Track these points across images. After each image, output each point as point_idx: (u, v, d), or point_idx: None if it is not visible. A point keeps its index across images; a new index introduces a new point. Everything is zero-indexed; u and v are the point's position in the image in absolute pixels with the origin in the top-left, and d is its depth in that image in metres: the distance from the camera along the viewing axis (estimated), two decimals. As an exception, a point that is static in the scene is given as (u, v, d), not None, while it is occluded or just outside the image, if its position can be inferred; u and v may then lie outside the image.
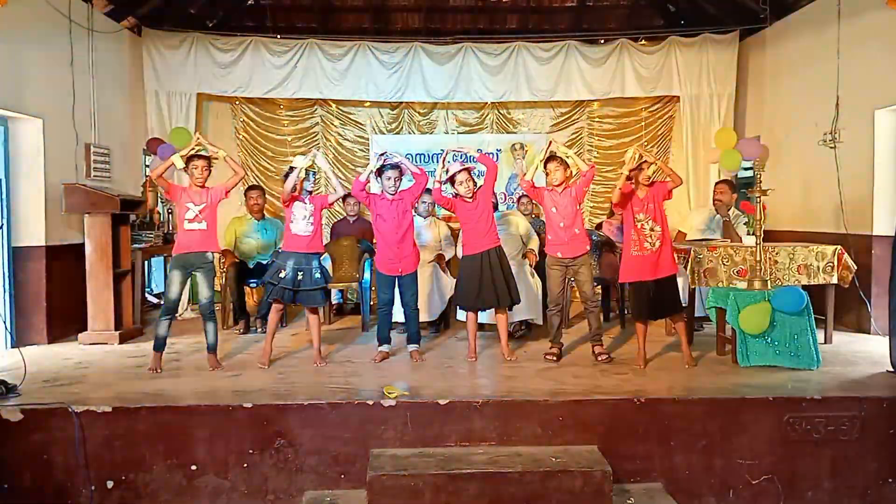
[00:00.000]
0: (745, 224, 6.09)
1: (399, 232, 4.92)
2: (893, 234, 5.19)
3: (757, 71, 7.67)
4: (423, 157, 8.02)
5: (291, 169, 4.75)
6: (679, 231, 6.38)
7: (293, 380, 4.45)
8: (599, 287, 6.01)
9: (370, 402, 3.90)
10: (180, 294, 4.78)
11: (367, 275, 6.23)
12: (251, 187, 6.69)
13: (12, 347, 5.23)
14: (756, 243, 4.90)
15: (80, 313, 5.69)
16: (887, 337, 4.65)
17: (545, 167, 4.89)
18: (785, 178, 6.87)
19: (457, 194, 4.95)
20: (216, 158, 4.74)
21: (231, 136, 8.13)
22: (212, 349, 4.82)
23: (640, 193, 4.67)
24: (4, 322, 5.34)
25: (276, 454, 3.83)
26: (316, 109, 8.26)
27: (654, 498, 3.76)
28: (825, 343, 5.32)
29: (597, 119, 8.37)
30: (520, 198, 7.18)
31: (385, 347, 5.09)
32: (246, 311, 6.21)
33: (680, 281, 4.90)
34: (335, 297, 7.05)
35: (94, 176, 6.27)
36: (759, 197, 4.88)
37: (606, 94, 7.82)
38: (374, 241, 5.35)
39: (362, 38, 7.68)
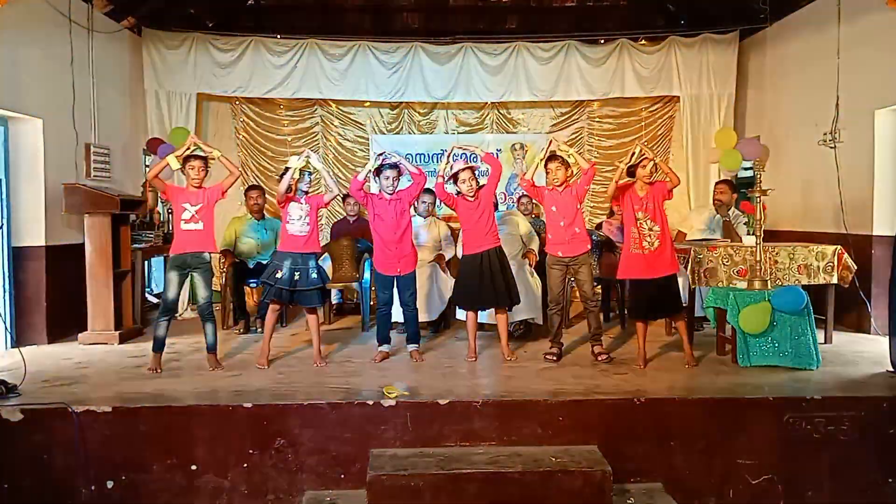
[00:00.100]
0: (745, 224, 6.10)
1: (397, 232, 4.92)
2: (893, 234, 5.21)
3: (757, 71, 7.67)
4: (423, 157, 8.02)
5: (287, 170, 4.75)
6: (679, 231, 6.38)
7: (293, 380, 4.45)
8: (599, 287, 6.01)
9: (370, 402, 3.90)
10: (178, 295, 4.78)
11: (367, 275, 6.23)
12: (251, 187, 6.70)
13: (12, 347, 5.23)
14: (756, 243, 4.90)
15: (80, 313, 5.69)
16: (887, 337, 4.65)
17: (546, 166, 4.88)
18: (785, 178, 6.87)
19: (459, 192, 4.95)
20: (213, 158, 4.74)
21: (231, 136, 8.14)
22: (211, 349, 4.82)
23: (641, 192, 4.68)
24: (4, 322, 5.34)
25: (276, 454, 3.83)
26: (316, 109, 8.25)
27: (654, 498, 3.76)
28: (825, 343, 5.32)
29: (597, 119, 8.37)
30: (520, 198, 7.18)
31: (385, 347, 5.09)
32: (246, 311, 6.21)
33: (680, 280, 4.90)
34: (335, 297, 7.05)
35: (94, 176, 6.27)
36: (759, 197, 4.88)
37: (606, 94, 7.82)
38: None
39: (362, 38, 7.67)
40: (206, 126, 7.98)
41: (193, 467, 3.81)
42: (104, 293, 5.64)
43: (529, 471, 3.57)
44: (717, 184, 6.61)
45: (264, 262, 6.08)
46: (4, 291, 5.47)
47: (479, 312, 5.11)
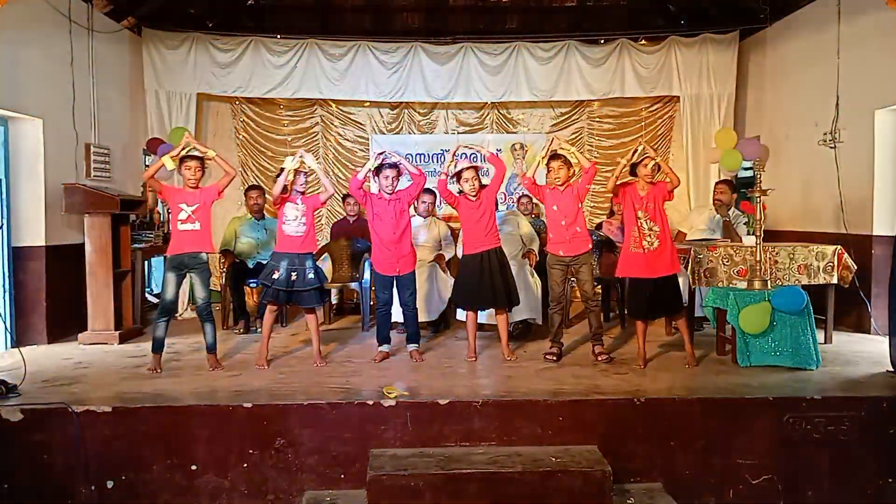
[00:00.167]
0: (745, 224, 6.09)
1: (396, 232, 4.92)
2: (893, 234, 5.21)
3: (757, 71, 7.67)
4: (423, 157, 8.02)
5: (282, 170, 4.75)
6: (679, 231, 6.39)
7: (293, 380, 4.45)
8: (599, 287, 6.01)
9: (370, 402, 3.90)
10: (176, 295, 4.78)
11: (367, 275, 6.23)
12: (251, 187, 6.70)
13: (12, 347, 5.23)
14: (756, 243, 4.90)
15: (80, 313, 5.70)
16: (887, 337, 4.65)
17: (548, 165, 4.89)
18: (785, 178, 6.87)
19: (461, 191, 4.95)
20: (209, 159, 4.74)
21: (231, 136, 8.14)
22: (211, 349, 4.82)
23: (642, 192, 4.68)
24: (4, 322, 5.34)
25: (276, 454, 3.83)
26: (316, 109, 8.25)
27: (654, 498, 3.76)
28: (825, 343, 5.32)
29: (597, 119, 8.37)
30: (520, 198, 7.19)
31: (385, 347, 5.09)
32: (246, 311, 6.21)
33: (681, 280, 4.90)
34: (334, 298, 7.05)
35: (94, 176, 6.27)
36: (759, 197, 4.88)
37: (606, 94, 7.82)
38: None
39: (362, 38, 7.67)
40: (206, 126, 7.98)
41: (193, 467, 3.81)
42: (104, 293, 5.64)
43: (529, 471, 3.57)
44: (717, 184, 6.61)
45: (264, 262, 6.09)
46: (4, 291, 5.47)
47: (479, 312, 5.11)
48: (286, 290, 4.74)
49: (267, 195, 6.95)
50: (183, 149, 4.69)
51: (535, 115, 8.38)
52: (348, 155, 8.27)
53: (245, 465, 3.83)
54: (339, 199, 7.58)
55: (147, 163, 7.32)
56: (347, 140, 8.31)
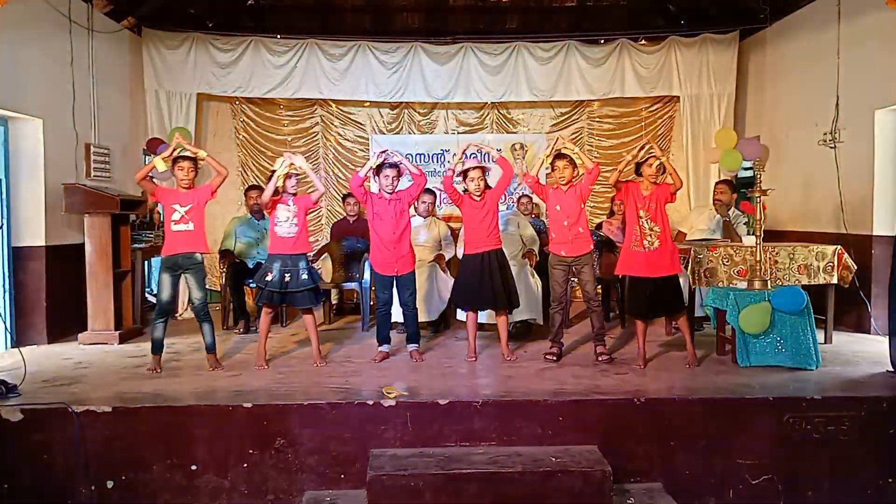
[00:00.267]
0: (745, 224, 6.10)
1: (396, 232, 4.92)
2: (893, 234, 5.21)
3: (757, 71, 7.67)
4: (423, 157, 8.02)
5: (272, 173, 4.75)
6: (679, 231, 6.39)
7: (293, 380, 4.45)
8: (599, 287, 6.01)
9: (370, 402, 3.90)
10: (172, 296, 4.77)
11: (367, 275, 6.23)
12: (251, 187, 6.71)
13: (12, 347, 5.23)
14: (756, 243, 4.90)
15: (80, 313, 5.70)
16: (887, 337, 4.65)
17: (553, 164, 4.89)
18: (785, 178, 6.87)
19: (466, 190, 4.95)
20: (201, 159, 4.75)
21: (231, 136, 8.14)
22: (210, 349, 4.82)
23: (645, 192, 4.69)
24: (4, 322, 5.34)
25: (276, 454, 3.83)
26: (316, 109, 8.25)
27: (654, 498, 3.76)
28: (825, 343, 5.32)
29: (597, 119, 8.37)
30: (520, 198, 7.19)
31: (385, 347, 5.09)
32: (246, 311, 6.22)
33: (681, 280, 4.90)
34: (334, 298, 7.06)
35: (94, 176, 6.27)
36: (759, 197, 4.89)
37: (606, 94, 7.81)
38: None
39: (362, 38, 7.67)
40: (206, 126, 7.98)
41: (193, 467, 3.81)
42: (104, 293, 5.65)
43: (529, 471, 3.57)
44: (717, 184, 6.62)
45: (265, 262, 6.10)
46: (4, 291, 5.47)
47: (479, 312, 5.11)
48: (280, 291, 4.74)
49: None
50: (173, 150, 4.70)
51: (535, 115, 8.38)
52: (348, 155, 8.26)
53: (245, 465, 3.83)
54: (340, 199, 7.57)
55: (147, 163, 7.32)
56: (347, 140, 8.31)
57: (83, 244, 5.69)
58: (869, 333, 5.80)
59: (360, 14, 8.19)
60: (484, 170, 4.94)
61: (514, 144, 8.11)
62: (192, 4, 7.50)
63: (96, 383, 4.41)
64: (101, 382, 4.43)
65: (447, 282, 5.85)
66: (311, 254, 6.86)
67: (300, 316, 6.29)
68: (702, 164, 7.75)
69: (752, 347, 4.72)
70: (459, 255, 5.58)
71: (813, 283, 5.24)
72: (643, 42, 7.79)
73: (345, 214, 7.23)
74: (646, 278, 4.67)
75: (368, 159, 5.42)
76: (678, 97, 7.80)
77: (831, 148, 6.21)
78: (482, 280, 4.87)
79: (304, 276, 4.77)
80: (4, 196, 5.47)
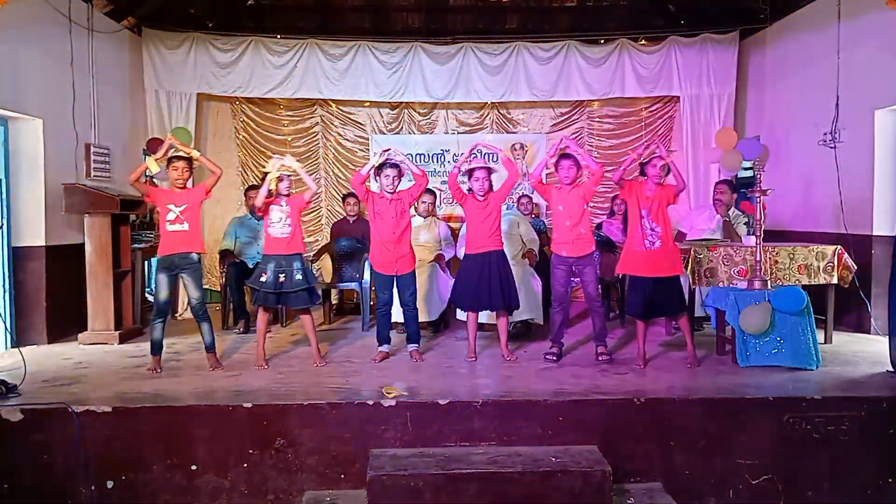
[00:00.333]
0: (745, 224, 6.10)
1: (396, 232, 4.92)
2: (893, 234, 5.21)
3: (757, 71, 7.67)
4: (423, 157, 8.02)
5: (265, 176, 4.75)
6: (679, 231, 6.38)
7: (293, 380, 4.45)
8: (600, 287, 6.00)
9: (370, 402, 3.90)
10: (170, 296, 4.77)
11: (367, 275, 6.23)
12: (251, 187, 6.71)
13: (12, 347, 5.23)
14: (756, 243, 4.90)
15: (80, 313, 5.70)
16: (887, 337, 4.65)
17: (557, 164, 4.89)
18: (785, 178, 6.87)
19: (470, 189, 4.96)
20: (195, 159, 4.75)
21: (231, 136, 8.14)
22: (210, 349, 4.82)
23: (649, 191, 4.69)
24: (4, 322, 5.34)
25: (276, 454, 3.83)
26: (316, 109, 8.25)
27: (654, 498, 3.76)
28: (825, 343, 5.32)
29: (597, 119, 8.36)
30: (520, 198, 7.19)
31: (385, 347, 5.09)
32: (246, 311, 6.22)
33: (682, 281, 4.90)
34: (335, 297, 7.06)
35: (94, 176, 6.27)
36: (759, 197, 4.89)
37: (606, 94, 7.81)
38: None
39: (362, 38, 7.67)
40: (206, 126, 7.98)
41: (193, 467, 3.81)
42: (104, 293, 5.65)
43: (529, 471, 3.57)
44: (717, 184, 6.61)
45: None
46: (4, 291, 5.47)
47: (479, 312, 5.11)
48: (275, 292, 4.74)
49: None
50: (166, 151, 4.70)
51: (535, 115, 8.38)
52: (348, 155, 8.26)
53: (245, 465, 3.83)
54: (340, 199, 7.57)
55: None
56: (347, 140, 8.31)
57: (83, 244, 5.69)
58: (869, 333, 5.80)
59: (360, 14, 8.19)
60: (490, 171, 4.94)
61: (514, 144, 8.11)
62: (192, 4, 7.50)
63: (96, 383, 4.41)
64: (101, 382, 4.43)
65: (447, 282, 5.85)
66: (312, 254, 6.91)
67: (300, 316, 6.33)
68: (702, 164, 7.75)
69: (752, 347, 4.72)
70: (460, 256, 5.58)
71: (813, 283, 5.24)
72: (643, 42, 7.80)
73: (345, 214, 7.23)
74: (646, 278, 4.67)
75: (368, 159, 5.44)
76: (678, 97, 7.80)
77: (831, 148, 6.21)
78: (481, 281, 4.87)
79: (299, 277, 4.77)
80: (4, 196, 5.47)
